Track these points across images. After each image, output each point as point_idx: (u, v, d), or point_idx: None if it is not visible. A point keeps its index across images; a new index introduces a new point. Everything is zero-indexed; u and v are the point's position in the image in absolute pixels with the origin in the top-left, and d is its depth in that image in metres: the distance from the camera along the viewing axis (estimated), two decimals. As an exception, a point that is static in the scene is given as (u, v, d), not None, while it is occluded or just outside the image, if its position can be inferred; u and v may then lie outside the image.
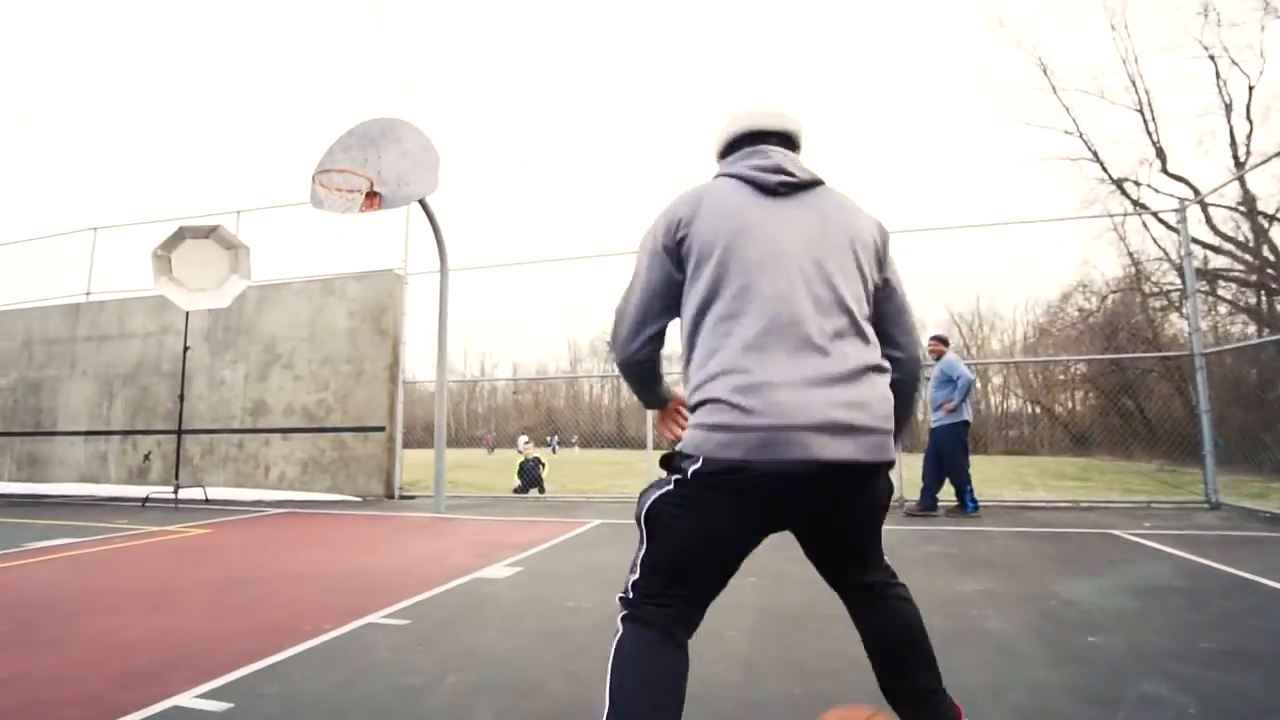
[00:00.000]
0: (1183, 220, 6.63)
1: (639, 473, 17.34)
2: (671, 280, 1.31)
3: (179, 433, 7.65)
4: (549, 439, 31.21)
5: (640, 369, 1.39)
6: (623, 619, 1.24)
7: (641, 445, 9.02)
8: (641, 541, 1.26)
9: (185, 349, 7.72)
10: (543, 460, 9.74)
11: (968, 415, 6.03)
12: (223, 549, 4.64)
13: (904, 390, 1.37)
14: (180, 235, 7.08)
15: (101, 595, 3.28)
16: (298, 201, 8.11)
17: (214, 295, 7.39)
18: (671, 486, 1.23)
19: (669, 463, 1.27)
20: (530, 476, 9.40)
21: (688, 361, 1.29)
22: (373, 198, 5.46)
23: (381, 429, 8.52)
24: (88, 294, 10.67)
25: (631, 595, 1.24)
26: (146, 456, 9.61)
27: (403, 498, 8.40)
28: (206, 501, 7.75)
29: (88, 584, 3.53)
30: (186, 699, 1.94)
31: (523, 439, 11.48)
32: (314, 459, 8.78)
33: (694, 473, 1.18)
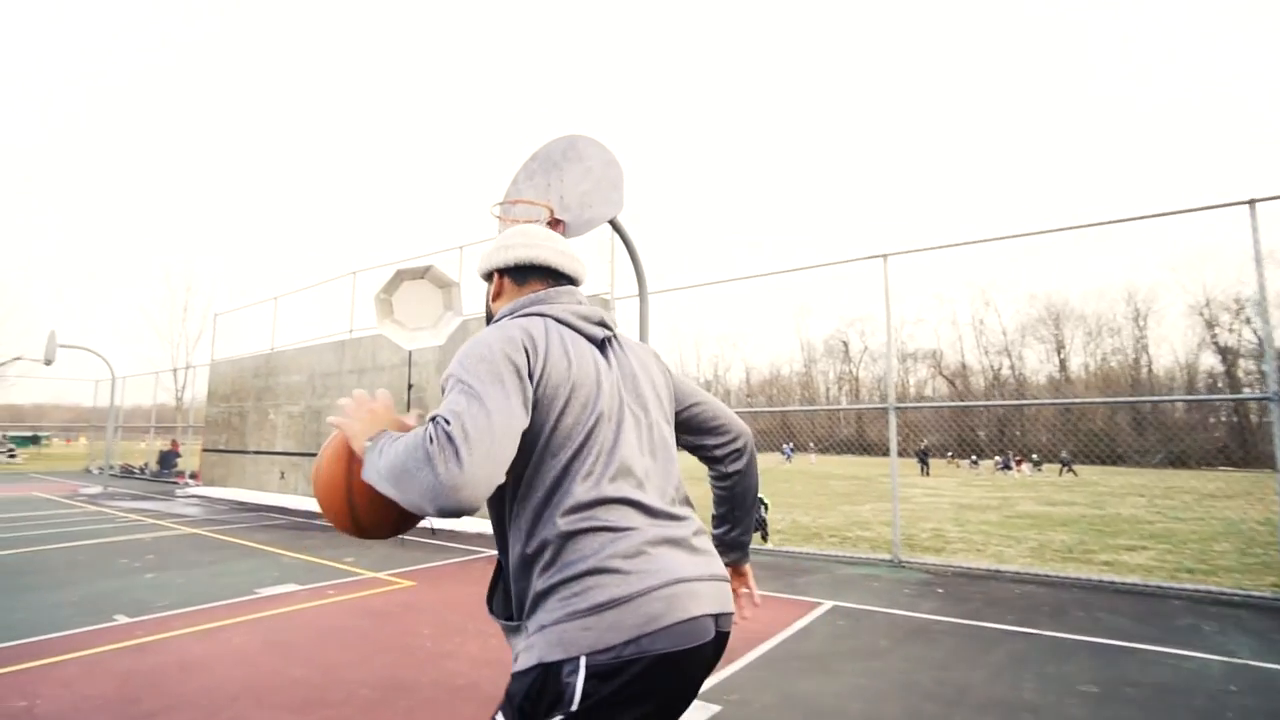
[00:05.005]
0: None
1: (881, 492, 15.38)
2: (523, 415, 1.02)
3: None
4: (783, 446, 29.71)
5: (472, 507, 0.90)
6: None
7: (884, 451, 7.88)
8: None
9: (409, 386, 8.00)
10: (764, 499, 8.58)
11: None
12: (406, 620, 4.30)
13: (748, 487, 1.34)
14: (398, 278, 7.28)
15: (245, 692, 2.94)
16: (511, 232, 8.07)
17: (431, 333, 7.51)
18: None
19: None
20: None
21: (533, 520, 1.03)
22: (556, 225, 4.90)
23: (591, 463, 8.12)
24: (350, 331, 11.97)
25: None
26: (394, 481, 10.37)
27: (613, 538, 7.89)
28: (434, 533, 7.94)
29: (239, 672, 3.25)
30: None
31: None
32: (530, 491, 8.67)
33: (584, 694, 0.91)
